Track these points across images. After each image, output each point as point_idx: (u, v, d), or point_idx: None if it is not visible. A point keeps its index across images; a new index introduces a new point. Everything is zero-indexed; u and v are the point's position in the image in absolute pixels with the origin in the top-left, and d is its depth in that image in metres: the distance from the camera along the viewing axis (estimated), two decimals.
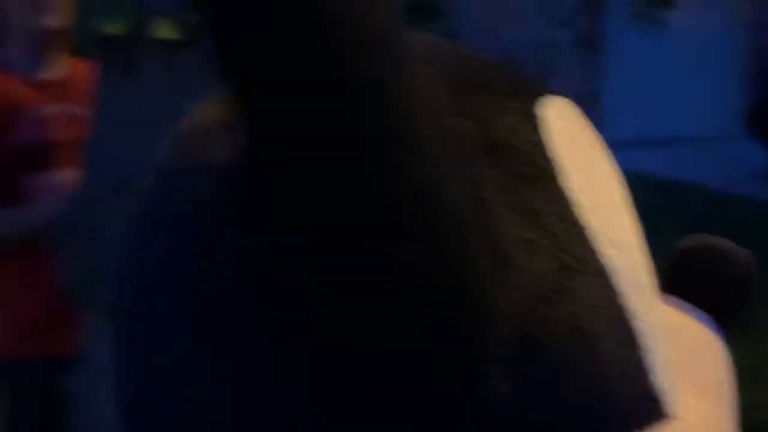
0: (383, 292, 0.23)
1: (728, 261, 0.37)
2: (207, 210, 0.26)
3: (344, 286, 0.23)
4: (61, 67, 1.47)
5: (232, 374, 0.25)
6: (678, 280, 0.37)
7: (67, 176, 1.40)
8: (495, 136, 0.28)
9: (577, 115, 0.32)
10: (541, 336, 0.27)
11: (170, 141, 0.30)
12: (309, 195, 0.22)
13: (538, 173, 0.28)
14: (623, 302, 0.29)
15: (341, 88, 0.21)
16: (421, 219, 0.23)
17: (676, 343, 0.34)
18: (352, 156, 0.22)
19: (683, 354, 0.34)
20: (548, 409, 0.27)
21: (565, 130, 0.30)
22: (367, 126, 0.22)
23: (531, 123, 0.29)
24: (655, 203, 2.94)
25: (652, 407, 0.30)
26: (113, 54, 1.33)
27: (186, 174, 0.28)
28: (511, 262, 0.26)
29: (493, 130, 0.28)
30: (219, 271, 0.26)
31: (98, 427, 1.30)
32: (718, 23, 5.84)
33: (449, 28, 4.32)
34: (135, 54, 1.31)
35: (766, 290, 1.15)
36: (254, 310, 0.25)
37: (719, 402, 0.34)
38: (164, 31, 1.27)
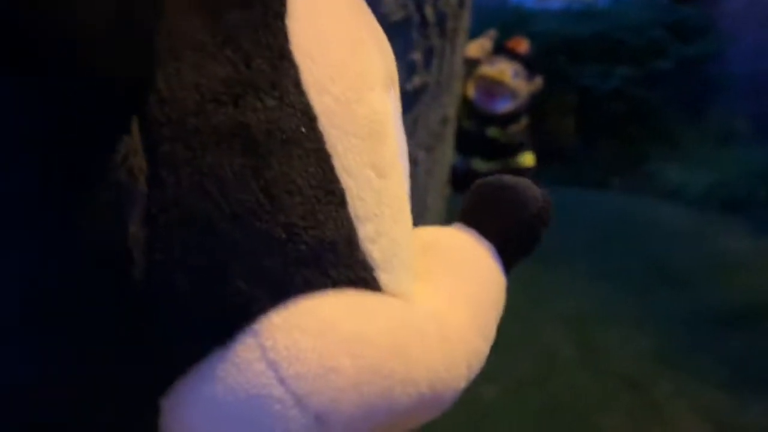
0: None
1: (518, 198, 0.36)
2: None
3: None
4: None
5: None
6: (473, 214, 0.37)
7: None
8: None
9: None
10: (203, 138, 0.26)
11: None
12: None
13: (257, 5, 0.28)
14: (326, 150, 0.29)
15: None
16: None
17: (447, 254, 0.35)
18: None
19: (449, 263, 0.34)
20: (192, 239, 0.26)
21: None
22: None
23: None
24: None
25: (352, 275, 0.29)
26: None
27: None
28: (180, 57, 0.26)
29: None
30: None
31: None
32: None
33: (716, 46, 4.05)
34: None
35: None
36: None
37: (468, 311, 0.33)
38: None
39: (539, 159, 3.06)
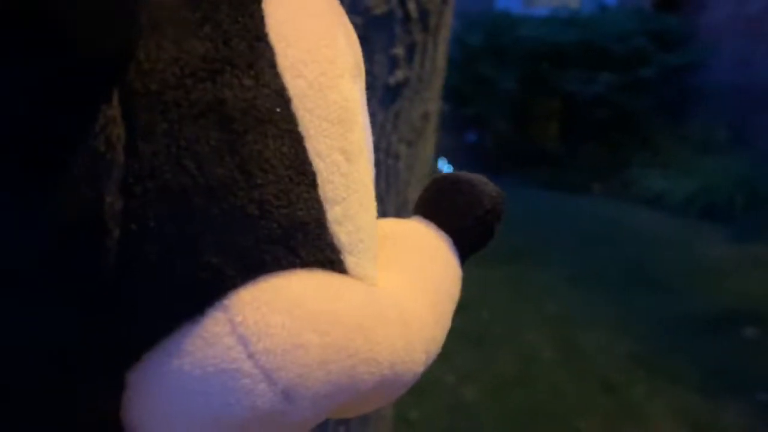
0: None
1: (474, 193, 0.37)
2: None
3: None
4: None
5: None
6: (431, 207, 0.38)
7: None
8: None
9: None
10: (181, 111, 0.26)
11: None
12: None
13: None
14: (299, 132, 0.29)
15: None
16: None
17: (407, 245, 0.36)
18: None
19: (408, 254, 0.35)
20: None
21: None
22: None
23: None
24: None
25: (320, 256, 0.29)
26: None
27: None
28: (161, 31, 0.27)
29: None
30: None
31: None
32: None
33: (697, 56, 4.09)
34: None
35: None
36: None
37: (427, 301, 0.34)
38: None
39: (524, 163, 3.08)
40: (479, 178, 0.38)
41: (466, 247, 0.37)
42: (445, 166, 2.80)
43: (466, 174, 0.39)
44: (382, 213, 0.35)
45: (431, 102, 0.93)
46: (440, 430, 1.82)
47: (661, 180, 3.59)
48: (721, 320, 2.39)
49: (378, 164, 0.98)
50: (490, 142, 3.67)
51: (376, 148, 0.95)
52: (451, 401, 1.92)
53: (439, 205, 0.38)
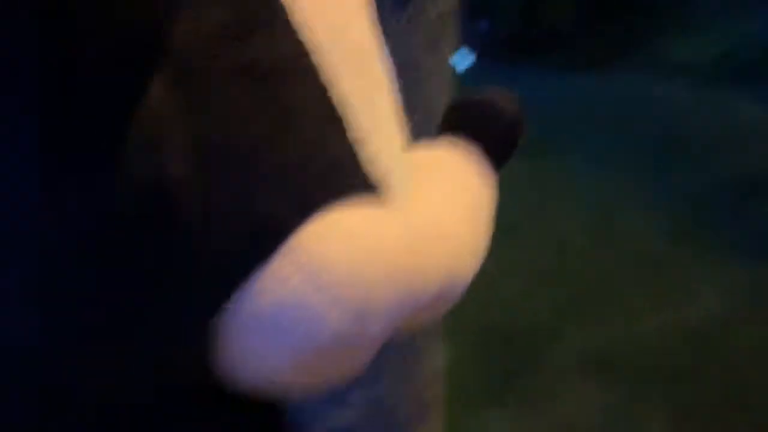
0: None
1: (495, 108, 0.41)
2: None
3: None
4: None
5: None
6: (454, 130, 0.41)
7: None
8: None
9: None
10: (220, 75, 0.29)
11: None
12: None
13: None
14: (325, 79, 0.31)
15: None
16: None
17: (439, 168, 0.39)
18: None
19: (441, 176, 0.38)
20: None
21: None
22: None
23: None
24: None
25: (361, 190, 0.32)
26: None
27: None
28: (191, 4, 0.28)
29: None
30: None
31: None
32: None
33: None
34: None
35: None
36: None
37: (465, 215, 0.38)
38: None
39: (540, 48, 2.96)
40: (496, 94, 0.41)
41: (493, 162, 0.40)
42: (465, 56, 2.70)
43: (482, 93, 0.42)
44: (408, 128, 0.37)
45: (446, 1, 0.87)
46: (479, 326, 1.83)
47: (684, 48, 3.46)
48: (759, 185, 2.35)
49: (397, 76, 0.93)
50: (504, 29, 3.55)
51: (393, 59, 0.90)
52: (494, 296, 1.92)
53: (462, 128, 0.40)
